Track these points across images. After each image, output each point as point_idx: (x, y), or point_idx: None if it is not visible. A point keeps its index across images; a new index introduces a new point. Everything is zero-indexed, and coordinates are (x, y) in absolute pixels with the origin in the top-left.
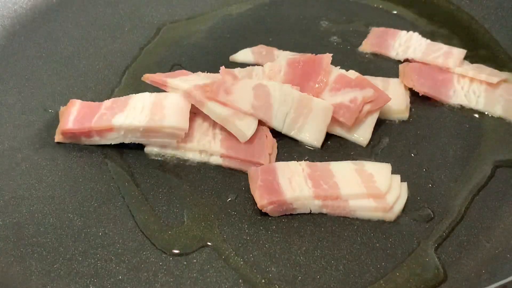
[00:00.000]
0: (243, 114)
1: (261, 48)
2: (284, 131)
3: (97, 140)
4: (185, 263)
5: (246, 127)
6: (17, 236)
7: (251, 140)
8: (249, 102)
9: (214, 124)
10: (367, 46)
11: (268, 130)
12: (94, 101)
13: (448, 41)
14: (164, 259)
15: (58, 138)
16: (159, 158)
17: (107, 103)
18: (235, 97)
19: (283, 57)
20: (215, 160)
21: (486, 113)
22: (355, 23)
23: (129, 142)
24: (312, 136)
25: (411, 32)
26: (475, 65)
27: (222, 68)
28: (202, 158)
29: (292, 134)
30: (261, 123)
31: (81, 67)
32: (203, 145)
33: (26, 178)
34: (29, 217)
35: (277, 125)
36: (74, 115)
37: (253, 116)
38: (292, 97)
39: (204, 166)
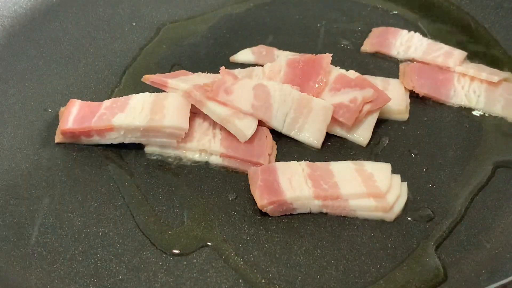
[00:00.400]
0: (243, 114)
1: (261, 48)
2: (284, 131)
3: (97, 140)
4: (185, 263)
5: (246, 127)
6: (17, 236)
7: (251, 140)
8: (249, 102)
9: (214, 124)
10: (368, 45)
11: (268, 130)
12: (94, 101)
13: (448, 41)
14: (164, 259)
15: (58, 138)
16: (159, 158)
17: (107, 103)
18: (235, 97)
19: (283, 57)
20: (215, 160)
21: (486, 113)
22: (355, 23)
23: (129, 142)
24: (312, 136)
25: (412, 32)
26: (474, 64)
27: (222, 68)
28: (202, 157)
29: (292, 134)
30: (261, 123)
31: (81, 67)
32: (203, 145)
33: (26, 178)
34: (29, 217)
35: (277, 125)
36: (74, 115)
37: (253, 116)
38: (292, 97)
39: (204, 166)
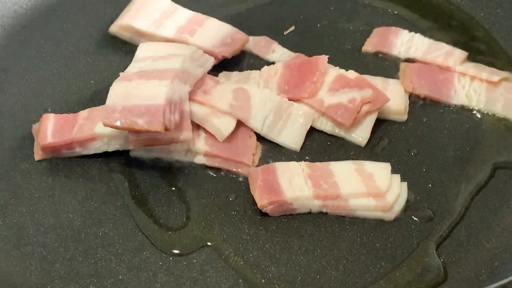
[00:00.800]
0: (221, 113)
1: (262, 39)
2: (264, 133)
3: (79, 151)
4: (185, 263)
5: (224, 126)
6: (17, 236)
7: (235, 139)
8: (227, 102)
9: (197, 124)
10: (369, 45)
11: (253, 131)
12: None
13: (447, 41)
14: (164, 259)
15: (38, 156)
16: (159, 158)
17: (83, 113)
18: (213, 97)
19: (280, 55)
20: (200, 160)
21: (486, 112)
22: (355, 23)
23: (113, 150)
24: (291, 140)
25: (413, 32)
26: (474, 64)
27: (205, 73)
28: (188, 158)
29: (271, 136)
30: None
31: (81, 67)
32: (187, 144)
33: (26, 178)
34: (29, 217)
35: (256, 126)
36: (51, 129)
37: (231, 115)
38: (272, 101)
39: (204, 167)
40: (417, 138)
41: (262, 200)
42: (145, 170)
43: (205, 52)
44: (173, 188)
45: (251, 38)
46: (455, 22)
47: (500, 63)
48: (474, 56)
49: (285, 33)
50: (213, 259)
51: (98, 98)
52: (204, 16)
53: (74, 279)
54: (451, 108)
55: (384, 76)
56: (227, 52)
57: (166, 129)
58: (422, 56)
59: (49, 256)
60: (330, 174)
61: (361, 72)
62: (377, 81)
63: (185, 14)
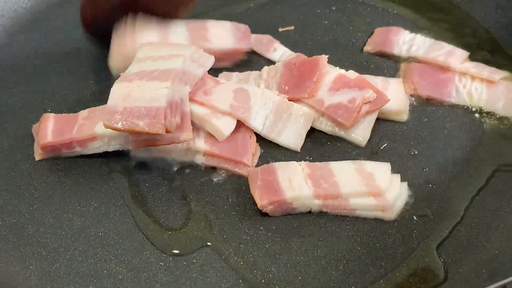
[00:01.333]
0: (221, 114)
1: (265, 37)
2: (264, 133)
3: (79, 151)
4: (185, 263)
5: (224, 126)
6: (17, 236)
7: (235, 139)
8: (227, 102)
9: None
10: (371, 45)
11: (253, 131)
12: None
13: (447, 41)
14: (164, 259)
15: (38, 155)
16: (159, 158)
17: (83, 113)
18: (213, 98)
19: (281, 54)
20: (200, 159)
21: (487, 112)
22: (355, 23)
23: (113, 149)
24: (291, 140)
25: (414, 32)
26: (475, 63)
27: (205, 73)
28: (188, 158)
29: (272, 136)
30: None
31: (81, 67)
32: (187, 144)
33: (26, 178)
34: (29, 217)
35: (256, 126)
36: (51, 129)
37: (231, 115)
38: (272, 102)
39: (204, 166)
40: (417, 138)
41: (262, 200)
42: (145, 170)
43: (229, 51)
44: (173, 188)
45: (253, 36)
46: (455, 22)
47: (500, 63)
48: (475, 55)
49: (280, 30)
50: (213, 259)
51: (98, 98)
52: (201, 20)
53: (74, 279)
54: (452, 108)
55: (384, 76)
56: (247, 45)
57: (167, 131)
58: (423, 55)
59: (49, 256)
60: (330, 174)
61: (361, 72)
62: (378, 81)
63: (182, 26)
